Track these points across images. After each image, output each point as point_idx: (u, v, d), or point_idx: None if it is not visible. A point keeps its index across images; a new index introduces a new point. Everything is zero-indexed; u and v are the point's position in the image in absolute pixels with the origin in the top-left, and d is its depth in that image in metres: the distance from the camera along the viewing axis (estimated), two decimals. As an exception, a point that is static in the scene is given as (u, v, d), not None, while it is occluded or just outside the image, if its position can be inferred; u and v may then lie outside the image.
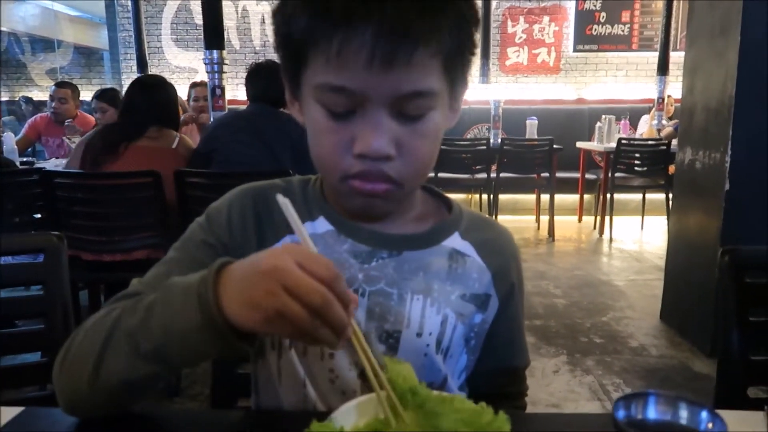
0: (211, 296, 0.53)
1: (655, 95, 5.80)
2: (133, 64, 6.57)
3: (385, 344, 0.69)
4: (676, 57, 5.93)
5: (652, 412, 0.48)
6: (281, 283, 0.49)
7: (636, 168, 4.78)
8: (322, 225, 0.72)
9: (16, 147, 3.56)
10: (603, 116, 5.21)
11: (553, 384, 2.39)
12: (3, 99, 3.66)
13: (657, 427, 0.46)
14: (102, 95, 3.71)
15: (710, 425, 0.47)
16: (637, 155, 4.77)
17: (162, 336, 0.56)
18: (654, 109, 5.75)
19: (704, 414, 0.48)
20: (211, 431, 0.64)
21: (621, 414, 0.48)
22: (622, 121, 5.41)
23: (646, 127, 5.65)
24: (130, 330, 0.58)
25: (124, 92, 2.77)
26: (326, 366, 0.69)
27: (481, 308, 0.74)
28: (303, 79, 0.63)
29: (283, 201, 0.54)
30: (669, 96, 5.74)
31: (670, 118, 5.68)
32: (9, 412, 0.63)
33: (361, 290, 0.69)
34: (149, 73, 5.73)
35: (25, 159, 3.57)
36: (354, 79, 0.58)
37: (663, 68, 5.71)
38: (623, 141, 4.73)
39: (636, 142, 4.90)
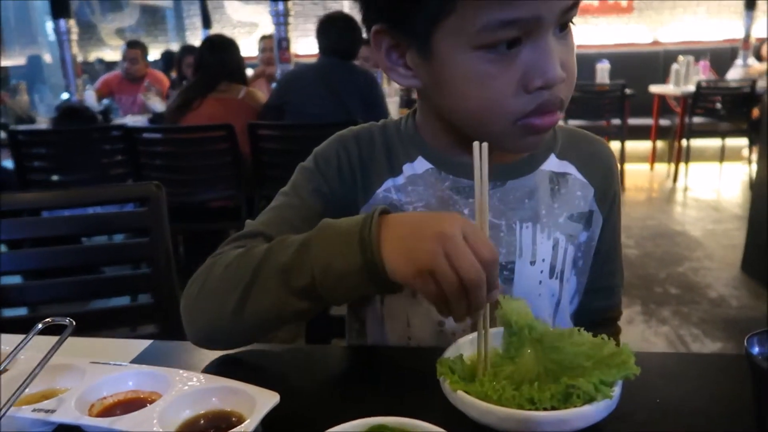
0: (374, 242, 0.54)
1: (740, 34, 5.35)
2: (197, 20, 6.66)
3: (500, 277, 0.69)
4: (765, -11, 5.47)
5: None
6: (444, 249, 0.51)
7: (719, 113, 4.48)
8: (422, 164, 0.72)
9: (97, 104, 3.72)
10: (680, 57, 4.90)
11: (628, 333, 2.34)
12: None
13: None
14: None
15: None
16: (717, 99, 4.47)
17: (318, 274, 0.56)
18: (740, 48, 5.31)
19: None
20: (324, 366, 0.66)
21: (756, 350, 0.46)
22: (701, 62, 5.05)
23: (739, 73, 5.05)
24: (280, 266, 0.59)
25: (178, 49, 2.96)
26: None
27: (587, 226, 0.74)
28: (442, 34, 0.58)
29: (479, 146, 0.53)
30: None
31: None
32: (139, 345, 0.68)
33: None
34: (212, 28, 5.80)
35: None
36: (528, 6, 0.54)
37: (750, 2, 5.26)
38: (702, 84, 4.44)
39: (717, 85, 4.59)
